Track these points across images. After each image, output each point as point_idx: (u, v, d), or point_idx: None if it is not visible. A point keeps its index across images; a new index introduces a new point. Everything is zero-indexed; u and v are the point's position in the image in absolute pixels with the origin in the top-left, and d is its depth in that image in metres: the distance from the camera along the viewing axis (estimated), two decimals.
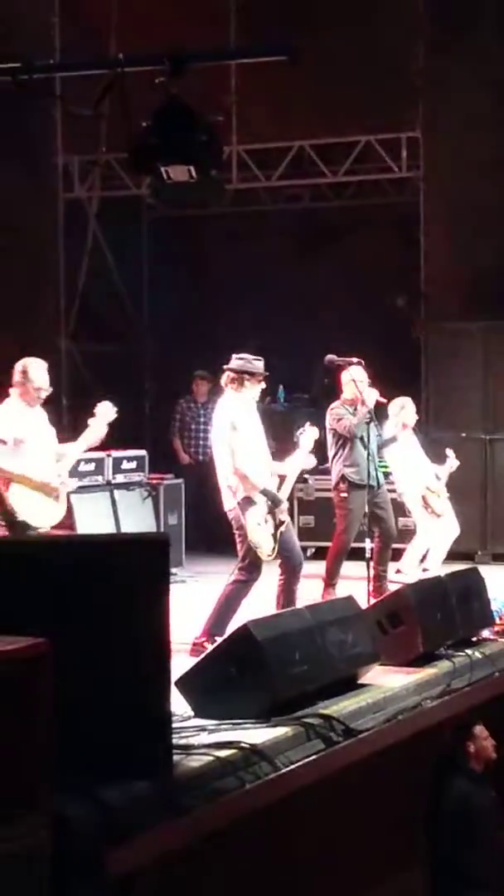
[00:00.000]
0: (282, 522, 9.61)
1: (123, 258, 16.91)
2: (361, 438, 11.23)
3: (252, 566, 9.45)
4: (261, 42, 13.39)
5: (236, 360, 9.83)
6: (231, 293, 17.17)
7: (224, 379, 9.81)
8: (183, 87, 8.33)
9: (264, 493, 9.51)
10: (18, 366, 9.23)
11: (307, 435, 10.12)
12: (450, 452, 12.69)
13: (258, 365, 9.82)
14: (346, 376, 11.43)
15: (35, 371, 9.23)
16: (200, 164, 8.21)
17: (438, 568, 12.17)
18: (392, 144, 15.56)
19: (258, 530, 9.46)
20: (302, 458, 10.04)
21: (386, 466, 12.77)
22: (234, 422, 9.52)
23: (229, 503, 9.46)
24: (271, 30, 14.21)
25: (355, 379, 11.32)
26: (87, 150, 16.20)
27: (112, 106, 8.48)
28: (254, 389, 9.81)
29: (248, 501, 9.49)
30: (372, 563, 10.88)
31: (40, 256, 16.26)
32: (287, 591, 9.75)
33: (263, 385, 9.98)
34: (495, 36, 14.58)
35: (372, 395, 11.26)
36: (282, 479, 9.78)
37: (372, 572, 10.84)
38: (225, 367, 9.83)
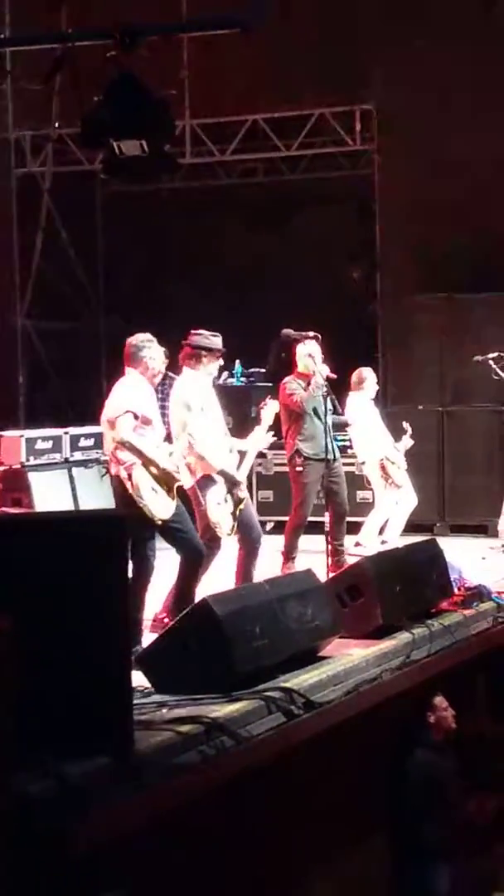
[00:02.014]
0: (241, 500, 9.60)
1: (78, 234, 16.84)
2: (316, 412, 11.21)
3: (211, 543, 9.42)
4: (213, 15, 13.30)
5: (193, 336, 9.78)
6: (186, 268, 17.15)
7: (181, 355, 9.76)
8: (135, 61, 8.29)
9: (222, 474, 9.48)
10: (138, 344, 8.83)
11: (268, 409, 10.10)
12: (406, 426, 12.72)
13: (215, 341, 9.77)
14: (301, 350, 11.42)
15: (156, 352, 8.90)
16: (153, 138, 8.18)
17: (397, 539, 12.21)
18: (346, 117, 15.55)
19: (217, 509, 9.44)
20: (262, 433, 10.02)
21: (344, 440, 12.79)
22: (188, 402, 9.46)
23: (188, 481, 9.43)
24: (223, 3, 14.13)
25: (311, 353, 11.31)
26: (39, 124, 16.10)
27: (64, 80, 8.44)
28: (211, 366, 9.77)
29: (207, 480, 9.46)
30: (328, 538, 10.91)
31: None
32: (246, 567, 9.75)
33: (220, 362, 9.94)
34: (449, 8, 14.55)
35: (322, 370, 11.23)
36: (242, 455, 9.76)
37: (328, 547, 10.86)
38: (183, 342, 9.79)
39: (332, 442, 11.16)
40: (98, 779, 5.72)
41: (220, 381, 13.70)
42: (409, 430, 12.67)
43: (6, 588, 5.76)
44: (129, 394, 8.62)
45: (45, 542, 6.03)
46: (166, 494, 8.57)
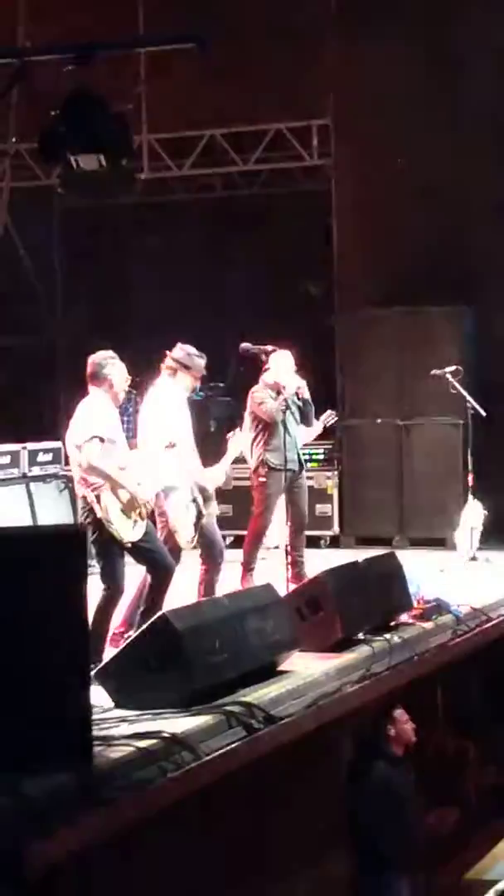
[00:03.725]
0: (202, 514, 9.61)
1: (35, 249, 16.81)
2: (284, 424, 11.15)
3: (172, 552, 9.44)
4: (169, 30, 13.33)
5: (179, 350, 9.85)
6: (144, 283, 17.14)
7: (164, 362, 9.80)
8: (92, 76, 8.30)
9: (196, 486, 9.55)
10: (101, 362, 8.78)
11: (234, 441, 10.17)
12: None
13: (198, 361, 9.85)
14: (274, 361, 11.31)
15: (119, 369, 8.85)
16: (110, 152, 8.18)
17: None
18: (303, 132, 15.60)
19: (181, 517, 9.46)
20: (223, 470, 10.07)
21: (314, 454, 12.74)
22: (161, 411, 9.51)
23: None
24: (180, 18, 14.17)
25: (284, 365, 11.25)
26: None
27: (21, 95, 8.43)
28: (185, 382, 9.82)
29: (169, 488, 9.48)
30: (288, 550, 10.91)
31: None
32: (208, 582, 9.76)
33: (198, 383, 10.00)
34: (406, 23, 14.62)
35: (294, 383, 11.20)
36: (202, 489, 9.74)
37: (289, 558, 10.87)
38: (168, 353, 9.82)
39: (298, 454, 11.16)
40: (57, 795, 5.70)
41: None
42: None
43: None
44: (93, 417, 8.60)
45: (2, 557, 6.00)
46: (136, 516, 8.58)
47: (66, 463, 13.79)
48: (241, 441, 10.25)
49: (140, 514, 8.59)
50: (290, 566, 10.78)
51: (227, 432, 10.56)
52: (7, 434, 14.92)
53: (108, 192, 13.89)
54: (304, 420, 11.37)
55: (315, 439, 12.22)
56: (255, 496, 11.43)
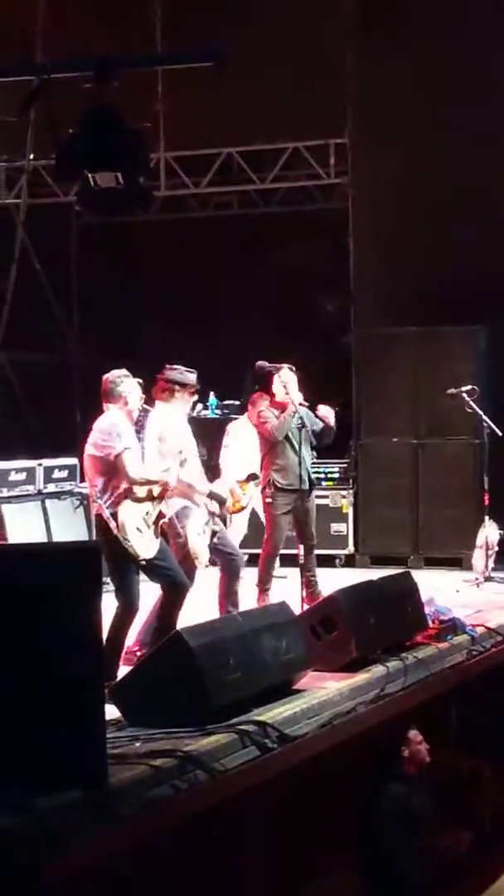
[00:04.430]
0: (215, 533, 9.68)
1: (52, 266, 16.82)
2: (290, 442, 11.15)
3: (187, 573, 9.44)
4: (187, 49, 13.36)
5: (168, 371, 9.82)
6: (160, 301, 17.14)
7: (155, 388, 9.77)
8: (110, 94, 8.32)
9: (211, 495, 9.64)
10: (115, 380, 8.89)
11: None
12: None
13: (189, 376, 9.82)
14: (276, 379, 11.37)
15: (132, 386, 8.96)
16: (127, 170, 8.19)
17: None
18: (320, 151, 15.61)
19: (197, 539, 9.51)
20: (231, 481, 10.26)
21: (329, 472, 12.69)
22: (161, 433, 9.52)
23: (166, 511, 9.47)
24: (198, 37, 14.20)
25: (286, 382, 11.27)
26: (14, 156, 16.11)
27: (39, 112, 8.45)
28: (184, 400, 9.82)
29: (185, 510, 9.51)
30: (302, 569, 10.89)
31: None
32: (230, 593, 9.82)
33: (195, 397, 10.00)
34: (424, 42, 14.65)
35: (295, 398, 11.21)
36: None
37: (302, 579, 10.84)
38: (157, 376, 9.81)
39: (306, 472, 11.14)
40: (71, 812, 5.68)
41: (195, 413, 13.71)
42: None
43: None
44: (115, 431, 8.66)
45: (17, 574, 5.99)
46: (151, 533, 8.60)
47: (82, 480, 13.86)
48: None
49: (157, 529, 8.63)
50: (303, 586, 10.76)
51: None
52: (23, 451, 14.93)
53: (125, 210, 14.04)
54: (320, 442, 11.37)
55: (330, 458, 12.23)
56: (265, 516, 11.43)
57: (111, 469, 8.58)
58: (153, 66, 14.65)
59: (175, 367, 9.84)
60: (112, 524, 8.47)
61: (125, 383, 8.87)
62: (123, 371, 8.94)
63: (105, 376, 8.93)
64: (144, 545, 8.57)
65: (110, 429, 8.68)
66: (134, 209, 13.91)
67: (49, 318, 17.02)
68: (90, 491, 8.89)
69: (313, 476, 11.55)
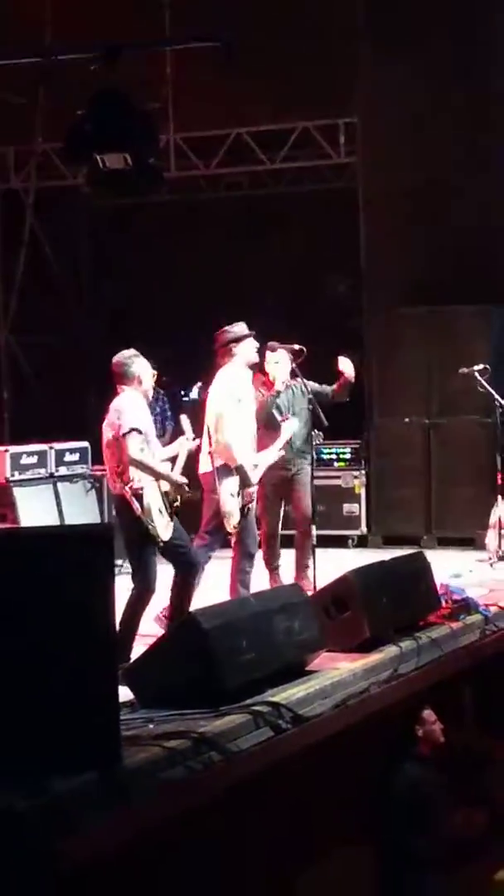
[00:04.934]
0: (250, 500, 9.78)
1: (62, 248, 16.83)
2: (272, 422, 10.79)
3: (215, 531, 9.66)
4: (195, 30, 13.32)
5: (220, 335, 9.99)
6: (171, 282, 17.13)
7: (217, 358, 9.97)
8: (119, 76, 8.30)
9: (238, 470, 9.64)
10: (126, 361, 8.89)
11: (288, 424, 10.27)
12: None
13: (236, 328, 9.99)
14: (268, 357, 11.06)
15: (144, 366, 8.97)
16: (137, 152, 8.19)
17: None
18: (330, 130, 15.57)
19: (230, 500, 9.59)
20: (277, 448, 10.18)
21: (341, 453, 12.53)
22: (228, 393, 9.71)
23: (206, 467, 9.65)
24: (206, 17, 14.16)
25: (278, 361, 11.00)
26: (22, 139, 16.08)
27: (47, 95, 8.44)
28: (246, 351, 9.94)
29: (225, 469, 9.62)
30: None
31: None
32: (239, 570, 9.86)
33: (255, 343, 10.10)
34: (433, 21, 14.60)
35: (281, 380, 10.95)
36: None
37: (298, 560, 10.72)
38: (214, 347, 10.00)
39: (290, 452, 10.69)
40: (85, 794, 5.68)
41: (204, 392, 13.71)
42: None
43: None
44: (128, 411, 8.66)
45: (30, 558, 5.99)
46: (168, 516, 8.62)
47: (94, 463, 13.87)
48: (291, 425, 10.35)
49: (173, 511, 8.65)
50: (296, 576, 10.65)
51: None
52: (34, 434, 14.95)
53: (135, 191, 14.00)
54: (317, 421, 11.02)
55: (342, 438, 12.07)
56: (257, 495, 11.22)
57: (121, 449, 8.58)
58: (162, 48, 14.61)
59: (224, 329, 9.99)
60: (135, 505, 8.48)
61: (137, 363, 8.86)
62: (133, 351, 8.93)
63: (115, 358, 8.91)
64: (164, 527, 8.60)
65: (122, 408, 8.68)
66: (143, 191, 13.86)
67: (59, 301, 17.03)
68: (108, 472, 8.89)
69: (322, 456, 11.33)
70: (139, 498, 8.48)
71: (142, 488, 8.51)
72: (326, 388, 11.03)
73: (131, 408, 8.68)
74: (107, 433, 8.72)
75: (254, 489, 9.84)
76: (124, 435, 8.52)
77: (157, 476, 8.58)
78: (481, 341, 14.24)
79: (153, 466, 8.57)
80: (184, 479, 8.77)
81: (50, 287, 16.74)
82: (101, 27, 13.57)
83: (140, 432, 8.56)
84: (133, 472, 8.53)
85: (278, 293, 16.08)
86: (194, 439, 9.16)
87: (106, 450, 8.78)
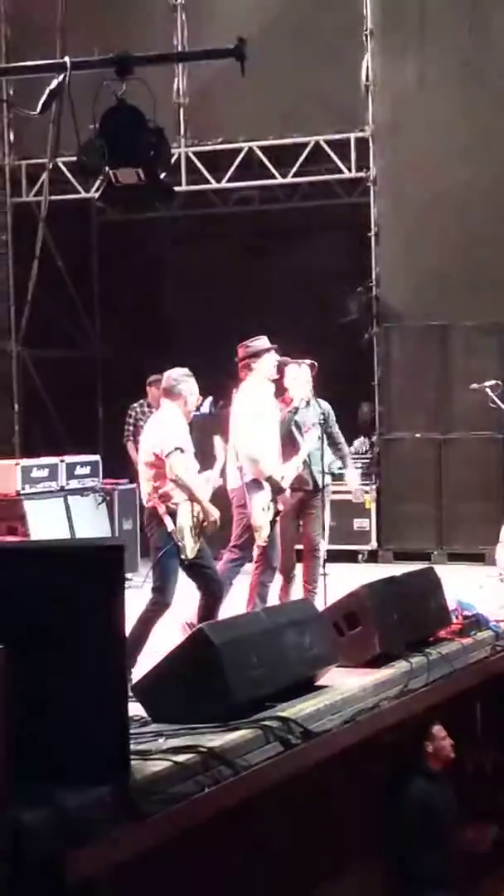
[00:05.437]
0: (278, 512, 9.84)
1: (74, 262, 16.84)
2: (293, 439, 10.70)
3: (246, 545, 9.73)
4: (208, 45, 13.34)
5: (241, 350, 10.07)
6: (182, 296, 17.15)
7: (239, 374, 10.05)
8: (131, 90, 8.31)
9: (269, 480, 9.72)
10: (177, 378, 8.97)
11: (310, 435, 10.38)
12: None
13: (256, 343, 10.07)
14: (287, 374, 11.04)
15: (193, 386, 9.05)
16: (148, 166, 8.20)
17: None
18: (342, 145, 15.56)
19: (261, 515, 9.66)
20: (300, 459, 10.27)
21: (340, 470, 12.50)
22: (256, 407, 9.81)
23: (235, 482, 9.71)
24: (219, 32, 14.18)
25: (296, 377, 10.96)
26: (35, 154, 16.11)
27: (60, 109, 8.45)
28: (265, 366, 10.00)
29: (255, 483, 9.70)
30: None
31: None
32: (259, 584, 9.86)
33: (276, 357, 10.14)
34: (444, 37, 14.62)
35: (300, 396, 10.90)
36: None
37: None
38: (237, 360, 10.08)
39: (309, 473, 10.64)
40: (95, 808, 5.68)
41: (218, 408, 13.72)
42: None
43: (2, 618, 5.72)
44: (172, 428, 8.78)
45: (41, 572, 6.00)
46: (196, 536, 8.74)
47: (105, 476, 13.89)
48: (313, 437, 10.43)
49: (201, 532, 8.70)
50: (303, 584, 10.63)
51: None
52: (45, 447, 14.97)
53: (147, 206, 14.05)
54: (332, 442, 10.97)
55: (353, 453, 12.03)
56: None
57: (161, 464, 8.64)
58: (174, 62, 14.63)
59: (244, 343, 10.08)
60: (168, 521, 8.56)
61: (187, 383, 9.00)
62: (185, 370, 9.07)
63: (167, 373, 9.07)
64: (192, 546, 8.68)
65: (167, 424, 8.81)
66: (155, 205, 13.88)
67: (71, 314, 17.04)
68: (141, 483, 8.94)
69: (334, 471, 11.32)
70: (173, 515, 8.55)
71: (177, 505, 8.59)
72: (340, 439, 11.11)
73: (175, 425, 8.81)
74: (147, 446, 8.79)
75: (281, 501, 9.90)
76: (168, 454, 8.61)
77: (194, 499, 8.66)
78: (493, 356, 14.25)
79: (193, 490, 8.67)
80: (216, 514, 8.81)
81: (62, 301, 16.75)
82: (114, 40, 13.61)
83: (182, 451, 8.66)
84: (171, 490, 8.58)
85: (290, 307, 16.06)
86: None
87: (143, 463, 8.83)
